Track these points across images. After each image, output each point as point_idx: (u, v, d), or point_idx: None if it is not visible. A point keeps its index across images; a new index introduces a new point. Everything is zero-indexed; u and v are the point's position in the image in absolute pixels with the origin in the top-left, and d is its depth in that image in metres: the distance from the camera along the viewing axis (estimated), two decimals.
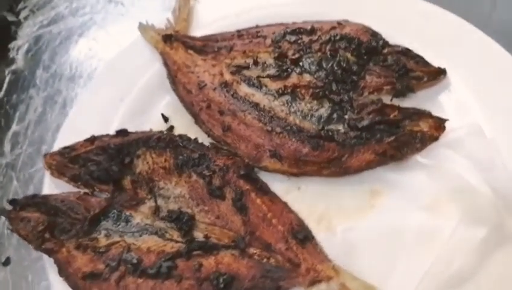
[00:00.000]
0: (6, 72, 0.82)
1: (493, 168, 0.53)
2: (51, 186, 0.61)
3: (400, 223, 0.53)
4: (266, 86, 0.63)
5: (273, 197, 0.56)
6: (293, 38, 0.66)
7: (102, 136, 0.61)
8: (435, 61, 0.62)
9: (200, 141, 0.61)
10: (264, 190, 0.56)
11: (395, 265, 0.51)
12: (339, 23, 0.67)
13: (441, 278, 0.49)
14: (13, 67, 0.83)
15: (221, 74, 0.65)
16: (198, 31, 0.72)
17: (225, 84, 0.64)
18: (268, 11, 0.71)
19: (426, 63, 0.62)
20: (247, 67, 0.65)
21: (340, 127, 0.58)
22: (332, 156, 0.56)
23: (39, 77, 0.81)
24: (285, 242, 0.52)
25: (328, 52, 0.64)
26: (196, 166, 0.57)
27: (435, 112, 0.58)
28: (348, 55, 0.63)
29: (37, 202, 0.56)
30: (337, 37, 0.65)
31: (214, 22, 0.72)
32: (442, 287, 0.49)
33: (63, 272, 0.53)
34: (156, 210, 0.55)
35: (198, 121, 0.63)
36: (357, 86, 0.61)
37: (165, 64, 0.68)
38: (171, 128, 0.66)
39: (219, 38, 0.69)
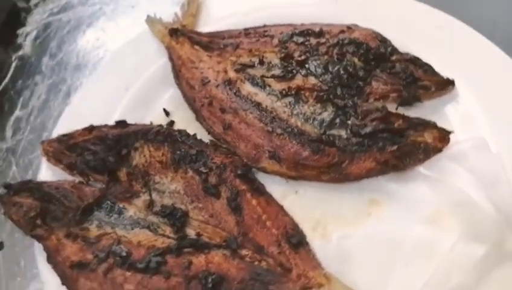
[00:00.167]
0: (13, 57, 0.82)
1: (497, 184, 0.52)
2: (48, 173, 0.61)
3: (398, 234, 0.52)
4: (270, 86, 0.62)
5: (269, 199, 0.55)
6: (301, 39, 0.65)
7: (101, 126, 0.61)
8: (444, 72, 0.61)
9: (199, 137, 0.60)
10: (260, 191, 0.55)
11: (391, 276, 0.50)
12: (348, 27, 0.65)
13: None
14: (20, 53, 0.83)
15: (226, 71, 0.64)
16: (205, 27, 0.72)
17: (228, 82, 0.63)
18: (277, 11, 0.70)
19: (435, 73, 0.61)
20: (252, 66, 0.64)
21: (343, 133, 0.57)
22: (332, 161, 0.55)
23: (45, 64, 0.81)
24: (278, 246, 0.50)
25: (335, 56, 0.63)
26: (193, 162, 0.57)
27: (440, 123, 0.57)
28: (355, 60, 0.62)
29: (31, 187, 0.57)
30: (345, 41, 0.63)
31: (222, 19, 0.72)
32: None
33: (51, 259, 0.53)
34: (150, 204, 0.55)
35: (199, 117, 0.63)
36: (362, 92, 0.60)
37: (170, 58, 0.68)
38: (172, 123, 0.65)
39: (226, 36, 0.68)
